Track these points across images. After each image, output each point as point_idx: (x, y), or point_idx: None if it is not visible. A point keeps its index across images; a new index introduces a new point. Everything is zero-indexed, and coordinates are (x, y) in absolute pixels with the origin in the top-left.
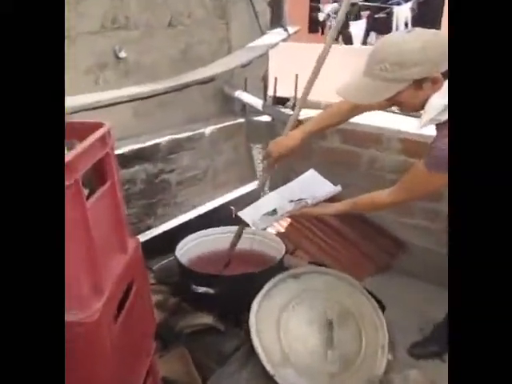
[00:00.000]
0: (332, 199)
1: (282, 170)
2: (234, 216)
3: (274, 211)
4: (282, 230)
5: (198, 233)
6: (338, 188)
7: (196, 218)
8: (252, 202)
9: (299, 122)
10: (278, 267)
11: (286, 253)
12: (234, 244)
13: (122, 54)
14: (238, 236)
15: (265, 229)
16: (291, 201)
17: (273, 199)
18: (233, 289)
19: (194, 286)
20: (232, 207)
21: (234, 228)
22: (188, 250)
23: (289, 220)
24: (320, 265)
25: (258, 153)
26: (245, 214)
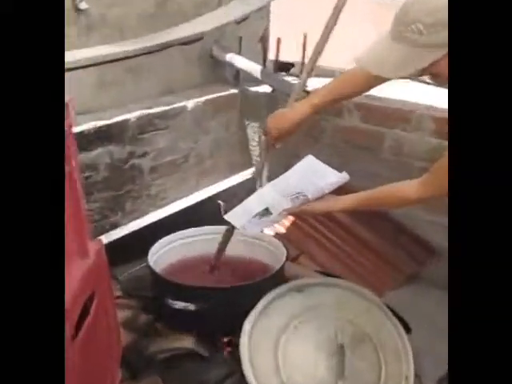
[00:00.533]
0: (341, 191)
1: (285, 154)
2: (222, 213)
3: (267, 211)
4: (283, 231)
5: (177, 234)
6: (345, 176)
7: (174, 214)
8: (247, 195)
9: (306, 94)
10: (277, 278)
11: (287, 259)
12: (221, 249)
13: (83, 5)
14: (227, 239)
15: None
16: (287, 196)
17: (265, 195)
18: (220, 305)
19: (170, 301)
20: (220, 202)
21: (222, 228)
22: (164, 255)
23: (290, 218)
24: (329, 275)
25: (253, 132)
26: (232, 216)
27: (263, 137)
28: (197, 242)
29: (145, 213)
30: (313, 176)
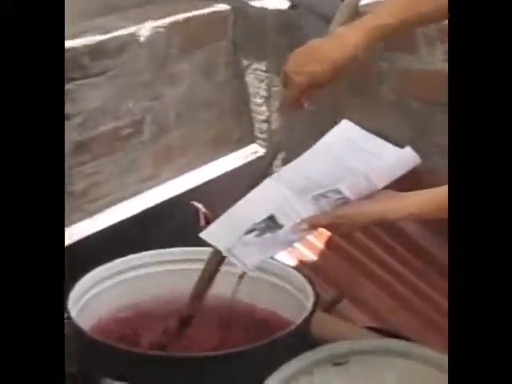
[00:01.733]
0: (405, 183)
1: (318, 121)
2: (200, 223)
3: (272, 221)
4: (309, 257)
5: (121, 260)
6: (410, 154)
7: (117, 226)
8: (243, 194)
9: (357, 15)
10: (299, 340)
11: (316, 308)
12: (201, 290)
13: None
14: (212, 272)
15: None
16: (307, 194)
17: (269, 194)
18: None
19: (109, 382)
20: (197, 204)
21: (203, 251)
22: (96, 299)
23: (323, 232)
24: (391, 334)
25: (258, 81)
26: (214, 233)
27: (280, 89)
28: (157, 275)
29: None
30: (352, 157)
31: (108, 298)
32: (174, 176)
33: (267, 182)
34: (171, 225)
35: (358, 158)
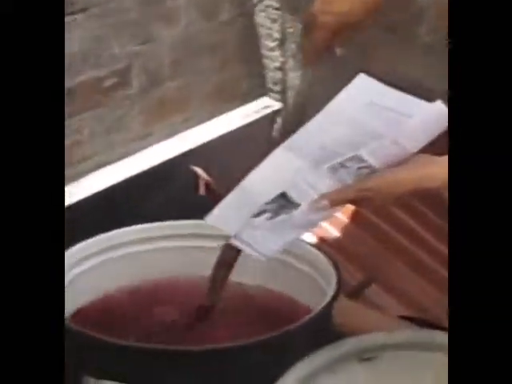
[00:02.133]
0: (443, 147)
1: (341, 72)
2: (201, 191)
3: (285, 199)
4: (333, 235)
5: (105, 237)
6: (441, 108)
7: (101, 193)
8: (252, 164)
9: None
10: (319, 330)
11: (339, 293)
12: (218, 283)
13: None
14: (229, 262)
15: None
16: (324, 164)
17: (280, 166)
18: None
19: (90, 381)
20: (196, 169)
21: (201, 224)
22: (75, 282)
23: (348, 208)
24: (429, 324)
25: (270, 21)
26: (220, 215)
27: (301, 31)
28: (149, 253)
29: None
30: (375, 118)
31: (90, 280)
32: (169, 135)
33: (277, 151)
34: (165, 194)
35: (381, 119)
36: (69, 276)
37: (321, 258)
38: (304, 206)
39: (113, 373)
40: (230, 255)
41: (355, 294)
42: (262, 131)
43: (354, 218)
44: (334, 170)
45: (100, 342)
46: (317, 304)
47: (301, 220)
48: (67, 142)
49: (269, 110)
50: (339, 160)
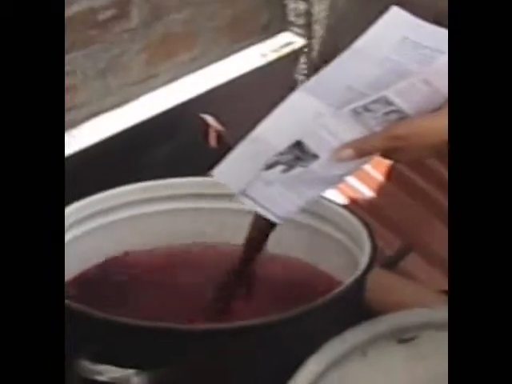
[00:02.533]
0: None
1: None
2: (212, 142)
3: (300, 149)
4: (365, 195)
5: (102, 196)
6: None
7: (98, 145)
8: (269, 108)
9: None
10: (350, 305)
11: (373, 263)
12: (251, 253)
13: None
14: (258, 241)
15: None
16: (346, 107)
17: (297, 111)
18: (215, 368)
19: (86, 365)
20: (206, 117)
21: (212, 182)
22: (70, 248)
23: (382, 162)
24: None
25: None
26: (229, 170)
27: None
28: (152, 216)
29: None
30: (407, 56)
31: (87, 246)
32: (175, 78)
33: (295, 95)
34: (171, 145)
35: (413, 57)
36: (67, 237)
37: (352, 221)
38: (324, 158)
39: (114, 356)
40: (262, 223)
41: (392, 264)
42: (283, 73)
43: (388, 174)
44: (357, 114)
45: (101, 320)
46: (348, 276)
47: (321, 174)
48: None
49: (290, 48)
50: (363, 102)
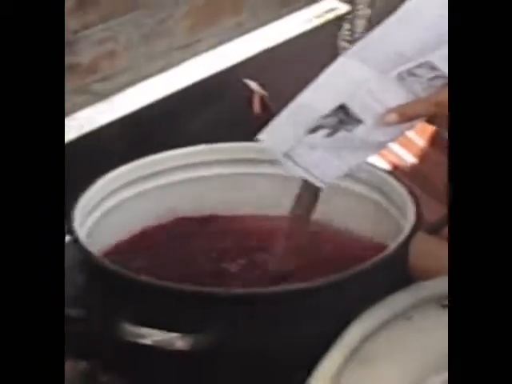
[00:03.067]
0: None
1: None
2: (256, 108)
3: (344, 113)
4: (411, 160)
5: (142, 163)
6: None
7: (139, 112)
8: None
9: None
10: (393, 270)
11: (418, 228)
12: (300, 221)
13: None
14: (308, 209)
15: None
16: (391, 71)
17: (345, 75)
18: (250, 332)
19: (129, 328)
20: (250, 83)
21: (256, 148)
22: (110, 216)
23: (426, 126)
24: None
25: None
26: (273, 135)
27: None
28: (194, 182)
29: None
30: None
31: (127, 214)
32: (219, 43)
33: (340, 60)
34: (214, 112)
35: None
36: (103, 206)
37: (396, 187)
38: (368, 123)
39: (157, 319)
40: (309, 191)
41: (436, 230)
42: (326, 39)
43: (432, 140)
44: (402, 79)
45: (143, 283)
46: (391, 241)
47: (364, 140)
48: (98, 52)
49: (334, 14)
50: (408, 66)
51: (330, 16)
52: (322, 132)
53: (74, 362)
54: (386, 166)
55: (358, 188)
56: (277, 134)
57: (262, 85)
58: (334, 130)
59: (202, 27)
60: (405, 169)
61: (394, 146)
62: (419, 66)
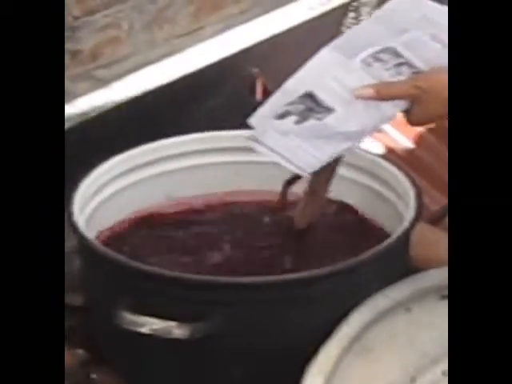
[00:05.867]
0: None
1: None
2: (258, 95)
3: (312, 100)
4: (405, 146)
5: (144, 149)
6: None
7: (141, 98)
8: None
9: None
10: (391, 262)
11: (419, 217)
12: (310, 204)
13: None
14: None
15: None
16: (355, 56)
17: (320, 66)
18: (252, 322)
19: (126, 316)
20: (253, 70)
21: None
22: (110, 202)
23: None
24: None
25: None
26: (260, 121)
27: None
28: (196, 170)
29: (74, 93)
30: (420, 25)
31: (127, 200)
32: (223, 30)
33: (323, 50)
34: (217, 99)
35: (430, 33)
36: (103, 193)
37: (397, 175)
38: (340, 111)
39: (154, 308)
40: (318, 181)
41: (437, 219)
42: (331, 27)
43: (433, 129)
44: (368, 65)
45: (140, 271)
46: (392, 230)
47: (338, 129)
48: (101, 38)
49: (339, 2)
50: (371, 51)
51: (335, 4)
52: (291, 118)
53: (72, 350)
54: (383, 152)
55: (356, 175)
56: (261, 119)
57: (264, 72)
58: (302, 118)
59: (205, 14)
60: (407, 158)
61: (390, 130)
62: (382, 50)
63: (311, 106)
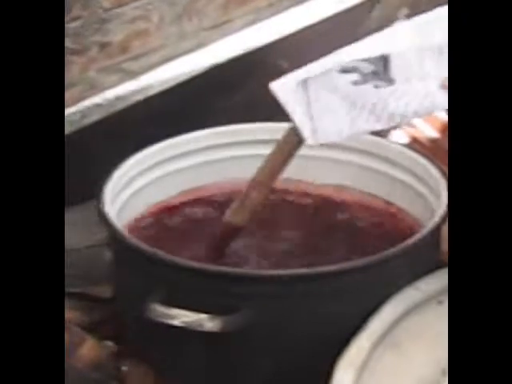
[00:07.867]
0: None
1: None
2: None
3: (385, 64)
4: (431, 135)
5: (174, 142)
6: None
7: (169, 91)
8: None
9: None
10: (422, 256)
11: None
12: (267, 177)
13: None
14: (288, 149)
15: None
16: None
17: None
18: (285, 316)
19: (158, 308)
20: (282, 63)
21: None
22: (141, 194)
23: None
24: None
25: None
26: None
27: None
28: (224, 161)
29: (102, 85)
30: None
31: (157, 192)
32: (251, 23)
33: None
34: (244, 92)
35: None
36: (133, 185)
37: (428, 167)
38: (399, 86)
39: (187, 300)
40: (291, 141)
41: None
42: (359, 20)
43: None
44: (440, 51)
45: (173, 264)
46: (424, 222)
47: (386, 105)
48: (131, 30)
49: None
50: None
51: None
52: (352, 76)
53: (102, 342)
54: (416, 147)
55: (385, 168)
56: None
57: (292, 65)
58: (363, 80)
59: (234, 7)
60: (431, 147)
61: (428, 129)
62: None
63: (379, 70)
